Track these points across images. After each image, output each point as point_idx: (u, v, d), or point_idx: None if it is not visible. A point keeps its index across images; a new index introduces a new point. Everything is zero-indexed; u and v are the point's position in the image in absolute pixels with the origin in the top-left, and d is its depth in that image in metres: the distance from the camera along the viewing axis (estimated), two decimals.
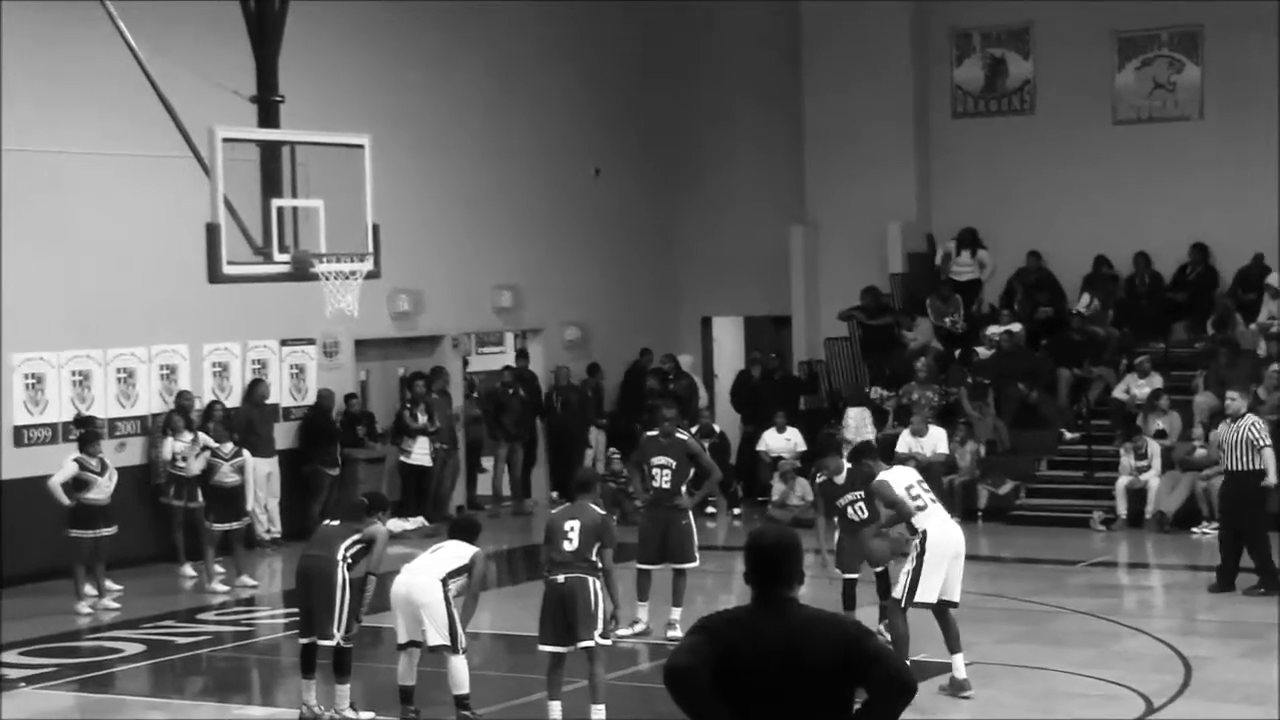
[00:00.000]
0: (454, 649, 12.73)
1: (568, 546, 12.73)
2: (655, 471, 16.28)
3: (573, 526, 12.79)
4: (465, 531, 13.29)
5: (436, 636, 12.67)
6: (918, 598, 13.54)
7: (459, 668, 12.79)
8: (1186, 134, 25.47)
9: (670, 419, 16.53)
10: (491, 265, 25.39)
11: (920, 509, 13.74)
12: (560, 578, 12.66)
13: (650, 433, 16.74)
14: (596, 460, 25.36)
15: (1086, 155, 25.96)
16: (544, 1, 26.09)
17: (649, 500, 16.46)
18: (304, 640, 13.26)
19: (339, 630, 12.99)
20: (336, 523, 13.55)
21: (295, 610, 14.15)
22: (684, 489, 16.28)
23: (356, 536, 13.18)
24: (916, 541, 13.63)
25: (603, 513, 13.20)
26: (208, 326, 21.43)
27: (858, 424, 23.74)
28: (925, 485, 14.09)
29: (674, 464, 16.21)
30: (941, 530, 13.71)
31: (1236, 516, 17.90)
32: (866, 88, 26.73)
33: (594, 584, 12.65)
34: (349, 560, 13.08)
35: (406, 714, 13.05)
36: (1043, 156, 26.22)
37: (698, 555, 16.29)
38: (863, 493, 14.89)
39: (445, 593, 12.70)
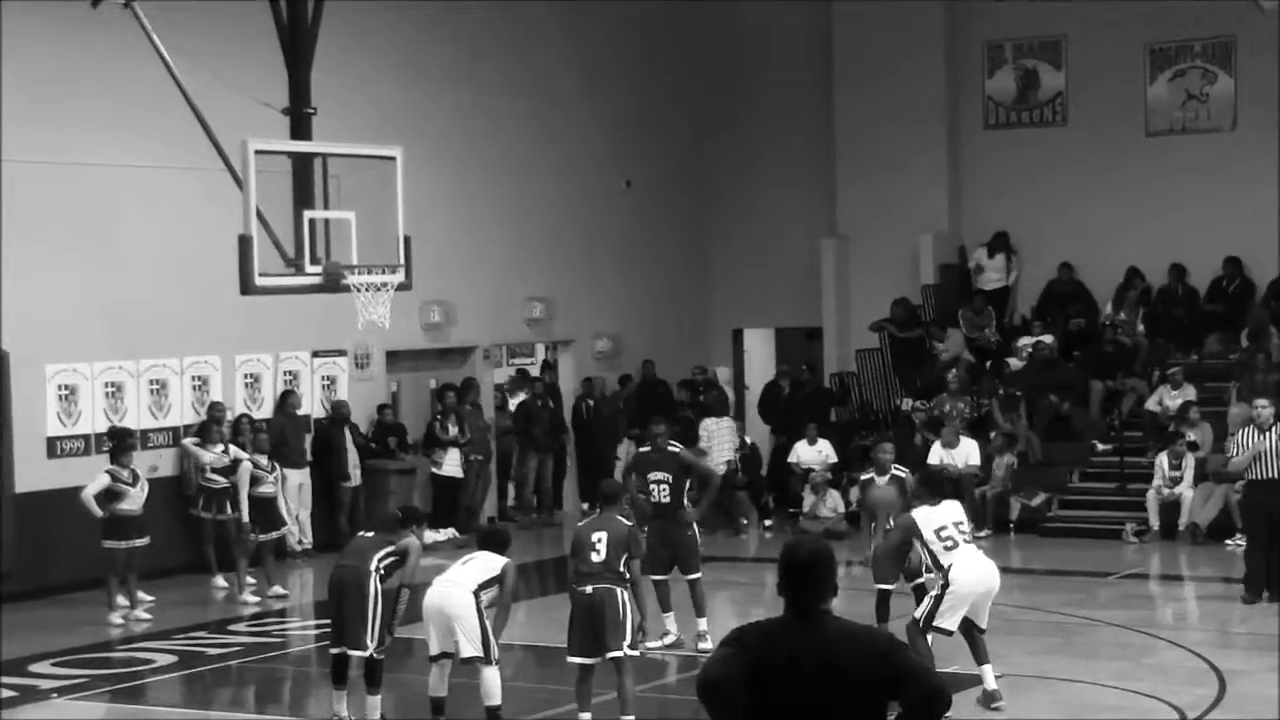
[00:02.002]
0: (487, 660, 12.72)
1: (595, 558, 12.75)
2: (653, 487, 16.22)
3: (600, 538, 12.81)
4: (495, 542, 13.26)
5: (469, 648, 12.66)
6: (936, 623, 13.44)
7: (492, 679, 12.77)
8: (1219, 145, 25.40)
9: (660, 434, 16.46)
10: (523, 277, 25.41)
11: (949, 548, 13.58)
12: (588, 589, 12.67)
13: (643, 448, 16.74)
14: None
15: (1119, 167, 25.91)
16: (574, 18, 26.12)
17: (651, 515, 16.32)
18: (335, 650, 13.28)
19: (371, 641, 13.00)
20: (370, 534, 13.58)
21: (326, 621, 14.17)
22: (686, 501, 16.26)
23: (390, 549, 13.20)
24: (940, 576, 13.53)
25: (629, 524, 13.23)
26: (240, 338, 21.47)
27: (709, 435, 23.61)
28: (962, 527, 13.78)
29: (670, 477, 16.16)
30: (968, 569, 13.48)
31: (1274, 525, 17.74)
32: (898, 99, 26.72)
33: (622, 595, 12.66)
34: (381, 572, 13.10)
35: None
36: (1075, 168, 26.17)
37: (700, 566, 16.19)
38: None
39: (478, 604, 12.69)
